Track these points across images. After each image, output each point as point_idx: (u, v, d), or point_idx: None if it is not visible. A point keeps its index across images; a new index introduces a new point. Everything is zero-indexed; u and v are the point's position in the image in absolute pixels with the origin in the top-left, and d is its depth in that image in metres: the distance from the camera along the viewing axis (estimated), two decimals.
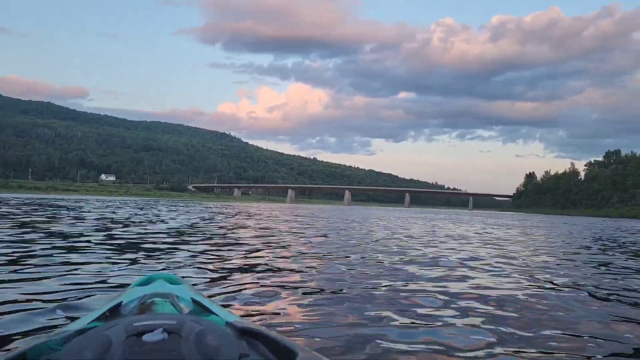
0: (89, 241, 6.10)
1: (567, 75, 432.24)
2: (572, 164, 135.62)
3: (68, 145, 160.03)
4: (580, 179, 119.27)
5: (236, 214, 19.58)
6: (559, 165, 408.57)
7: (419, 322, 2.63)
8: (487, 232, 13.22)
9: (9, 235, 6.48)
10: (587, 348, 2.31)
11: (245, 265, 4.63)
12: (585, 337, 2.47)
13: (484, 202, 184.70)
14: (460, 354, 2.12)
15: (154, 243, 6.31)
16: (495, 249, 7.79)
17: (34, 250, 4.94)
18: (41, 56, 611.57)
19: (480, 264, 5.44)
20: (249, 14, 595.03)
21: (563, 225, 23.74)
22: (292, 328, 2.38)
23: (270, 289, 3.36)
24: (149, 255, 4.95)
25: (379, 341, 2.22)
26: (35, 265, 3.99)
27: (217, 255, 5.22)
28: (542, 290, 3.89)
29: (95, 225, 9.11)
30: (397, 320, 2.63)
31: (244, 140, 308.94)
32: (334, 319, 2.58)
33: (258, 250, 5.99)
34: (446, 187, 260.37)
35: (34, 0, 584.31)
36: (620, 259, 6.89)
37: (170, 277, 1.51)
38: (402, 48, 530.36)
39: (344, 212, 32.63)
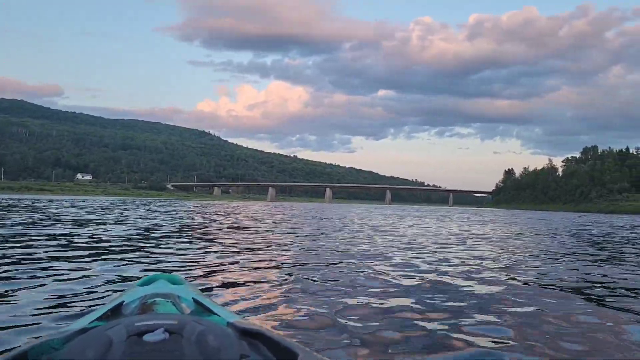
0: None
1: (544, 74, 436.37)
2: (549, 160, 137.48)
3: (43, 144, 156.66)
4: (559, 175, 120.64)
5: (212, 214, 18.74)
6: (535, 161, 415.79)
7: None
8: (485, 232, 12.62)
9: None
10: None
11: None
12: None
13: (464, 198, 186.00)
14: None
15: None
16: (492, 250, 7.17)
17: None
18: (13, 53, 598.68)
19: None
20: (228, 11, 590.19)
21: (540, 220, 23.43)
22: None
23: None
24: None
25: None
26: None
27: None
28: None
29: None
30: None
31: (224, 139, 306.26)
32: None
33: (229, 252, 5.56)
34: (426, 183, 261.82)
35: None
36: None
37: (172, 277, 1.52)
38: (381, 46, 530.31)
39: (323, 211, 31.92)
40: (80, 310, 2.55)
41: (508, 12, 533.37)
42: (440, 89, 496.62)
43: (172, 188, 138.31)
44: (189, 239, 7.48)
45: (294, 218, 16.63)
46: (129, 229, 8.85)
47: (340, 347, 2.11)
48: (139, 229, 8.93)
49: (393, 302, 3.07)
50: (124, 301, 1.26)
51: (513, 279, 4.25)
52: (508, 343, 2.24)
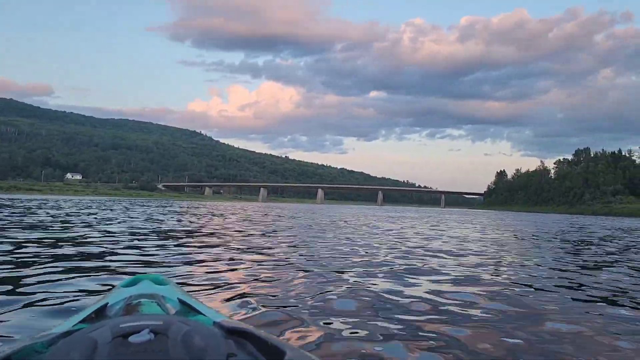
0: None
1: (534, 76, 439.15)
2: (541, 162, 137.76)
3: (32, 144, 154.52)
4: (551, 176, 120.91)
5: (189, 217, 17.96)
6: (525, 163, 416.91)
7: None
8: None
9: None
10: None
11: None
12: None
13: (455, 200, 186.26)
14: None
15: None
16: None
17: None
18: (3, 52, 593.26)
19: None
20: (220, 11, 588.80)
21: (549, 223, 22.92)
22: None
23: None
24: None
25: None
26: None
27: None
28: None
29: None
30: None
31: (215, 139, 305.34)
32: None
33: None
34: (417, 185, 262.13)
35: None
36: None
37: (157, 277, 1.50)
38: (373, 47, 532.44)
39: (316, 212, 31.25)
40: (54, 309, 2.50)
41: (499, 15, 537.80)
42: (431, 91, 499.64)
43: (163, 188, 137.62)
44: (172, 239, 7.04)
45: (283, 220, 15.93)
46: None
47: (329, 345, 2.10)
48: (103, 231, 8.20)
49: (386, 302, 3.06)
50: (108, 302, 1.24)
51: (495, 279, 4.27)
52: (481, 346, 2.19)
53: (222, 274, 3.98)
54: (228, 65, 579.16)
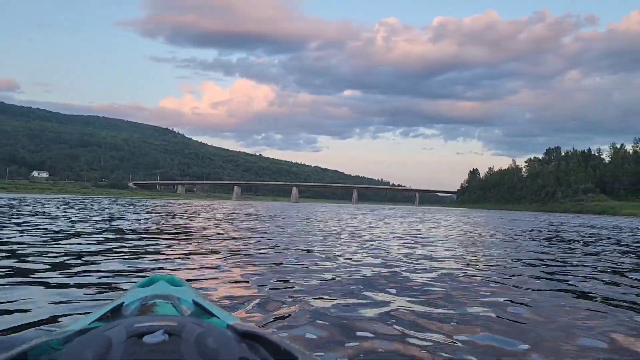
0: None
1: (504, 76, 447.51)
2: (513, 160, 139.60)
3: None
4: (523, 175, 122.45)
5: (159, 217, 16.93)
6: (496, 162, 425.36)
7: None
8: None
9: None
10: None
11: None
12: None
13: (429, 198, 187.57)
14: None
15: None
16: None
17: None
18: None
19: None
20: (192, 7, 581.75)
21: (516, 221, 22.57)
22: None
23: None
24: None
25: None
26: None
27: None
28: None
29: None
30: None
31: (188, 136, 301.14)
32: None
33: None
34: (391, 183, 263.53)
35: None
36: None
37: (172, 278, 1.51)
38: (346, 46, 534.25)
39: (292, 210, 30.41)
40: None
41: (471, 16, 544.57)
42: (404, 90, 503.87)
43: (134, 186, 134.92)
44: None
45: (259, 222, 15.08)
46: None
47: (340, 350, 2.08)
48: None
49: (401, 302, 3.03)
50: (124, 302, 1.25)
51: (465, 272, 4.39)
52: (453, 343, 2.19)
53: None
54: (200, 62, 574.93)
